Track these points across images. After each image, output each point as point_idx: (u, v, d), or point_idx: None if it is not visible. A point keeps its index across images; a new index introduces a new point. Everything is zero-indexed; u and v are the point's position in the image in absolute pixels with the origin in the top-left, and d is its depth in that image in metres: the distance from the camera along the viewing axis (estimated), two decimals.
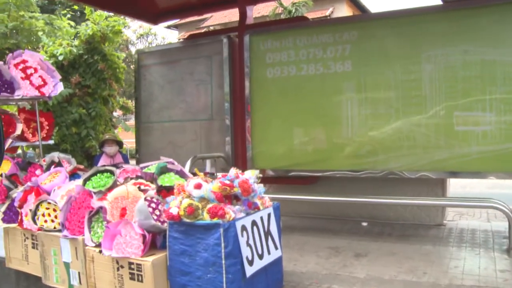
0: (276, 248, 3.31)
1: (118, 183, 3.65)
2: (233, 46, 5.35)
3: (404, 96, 4.58)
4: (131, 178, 3.74)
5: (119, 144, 5.41)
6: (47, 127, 4.98)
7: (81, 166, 4.55)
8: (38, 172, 4.38)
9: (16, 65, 4.76)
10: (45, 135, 4.94)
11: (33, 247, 3.80)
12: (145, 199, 3.16)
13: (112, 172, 3.73)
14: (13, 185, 4.18)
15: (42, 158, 4.60)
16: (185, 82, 5.58)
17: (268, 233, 3.26)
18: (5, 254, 4.03)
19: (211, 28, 19.22)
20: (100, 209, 3.33)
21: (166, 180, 3.63)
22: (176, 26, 23.33)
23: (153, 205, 3.17)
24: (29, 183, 4.06)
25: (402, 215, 5.08)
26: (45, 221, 3.61)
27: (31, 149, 12.79)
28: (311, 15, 15.67)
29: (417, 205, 4.94)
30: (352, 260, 3.96)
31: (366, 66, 4.72)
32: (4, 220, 4.02)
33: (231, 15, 18.28)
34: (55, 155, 4.50)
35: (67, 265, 3.47)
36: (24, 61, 4.84)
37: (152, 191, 3.25)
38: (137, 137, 5.91)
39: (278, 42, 5.07)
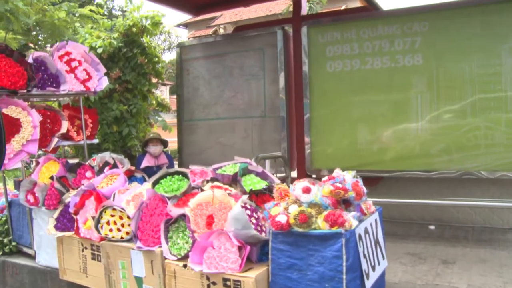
0: (383, 257, 2.90)
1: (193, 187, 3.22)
2: (287, 38, 4.92)
3: (481, 91, 4.19)
4: (207, 181, 3.30)
5: (164, 143, 4.94)
6: (91, 125, 4.50)
7: (133, 168, 4.10)
8: (88, 174, 3.91)
9: (60, 57, 4.28)
10: (89, 134, 4.46)
11: (93, 259, 3.33)
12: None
13: (184, 175, 3.28)
14: (65, 188, 3.71)
15: (92, 158, 4.12)
16: (234, 77, 5.14)
17: (377, 241, 2.84)
18: (58, 264, 3.56)
19: (222, 27, 18.78)
20: (183, 217, 2.89)
21: (249, 182, 3.18)
22: (185, 25, 22.79)
23: (247, 212, 2.73)
24: (83, 187, 3.59)
25: (471, 218, 4.70)
26: (110, 229, 3.15)
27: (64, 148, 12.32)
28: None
29: (489, 207, 4.57)
30: (442, 267, 3.57)
31: (439, 60, 4.32)
32: (57, 228, 3.55)
33: (242, 14, 17.81)
34: (106, 156, 4.04)
35: (139, 280, 3.01)
36: (68, 53, 4.36)
37: (245, 196, 2.81)
38: (180, 136, 5.45)
39: (339, 34, 4.65)
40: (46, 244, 3.87)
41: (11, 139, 3.83)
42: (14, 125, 3.84)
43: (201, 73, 5.37)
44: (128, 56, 5.23)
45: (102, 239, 3.21)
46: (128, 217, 3.15)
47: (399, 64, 4.45)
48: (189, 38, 21.77)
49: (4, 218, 4.32)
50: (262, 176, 3.28)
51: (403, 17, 4.43)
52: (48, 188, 3.78)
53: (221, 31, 18.67)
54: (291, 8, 16.54)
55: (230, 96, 5.19)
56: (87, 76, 4.39)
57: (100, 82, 4.49)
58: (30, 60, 4.04)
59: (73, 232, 3.47)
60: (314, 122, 4.73)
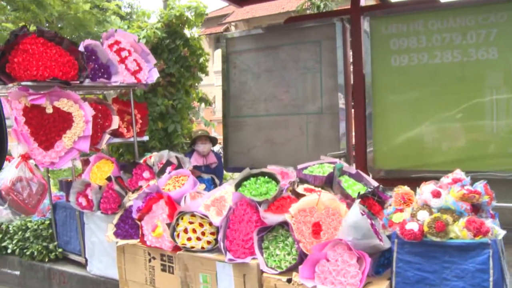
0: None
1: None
2: (345, 30, 4.55)
3: None
4: (295, 183, 2.91)
5: (213, 141, 4.56)
6: (140, 121, 4.09)
7: (191, 168, 3.70)
8: (146, 174, 3.51)
9: (110, 47, 3.86)
10: (138, 130, 4.04)
11: (163, 270, 2.93)
12: None
13: (270, 176, 2.89)
14: (123, 190, 3.30)
15: (144, 158, 3.72)
16: (287, 71, 4.75)
17: (502, 251, 2.50)
18: (119, 275, 3.16)
19: (233, 24, 18.34)
20: (284, 225, 2.51)
21: (345, 185, 2.81)
22: None
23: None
24: (145, 189, 3.19)
25: None
26: (189, 238, 2.75)
27: None
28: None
29: None
30: None
31: None
32: (118, 235, 3.14)
33: (253, 11, 17.40)
34: (165, 154, 3.64)
35: None
36: (117, 42, 3.95)
37: (357, 201, 2.44)
38: (225, 133, 5.05)
39: (405, 25, 4.29)
40: (99, 252, 3.46)
41: (62, 135, 3.40)
42: (66, 120, 3.42)
43: (249, 66, 4.98)
44: (171, 48, 4.81)
45: (177, 248, 2.82)
46: (210, 225, 2.76)
47: (471, 58, 4.09)
48: (199, 36, 21.15)
49: (47, 222, 3.90)
50: (357, 177, 2.92)
51: (478, 7, 4.07)
52: (104, 190, 3.37)
53: (232, 28, 18.25)
54: (305, 6, 16.22)
55: (282, 91, 4.81)
56: (137, 67, 3.97)
57: (151, 74, 4.07)
58: (80, 49, 3.63)
59: (138, 240, 3.07)
60: (376, 119, 4.36)
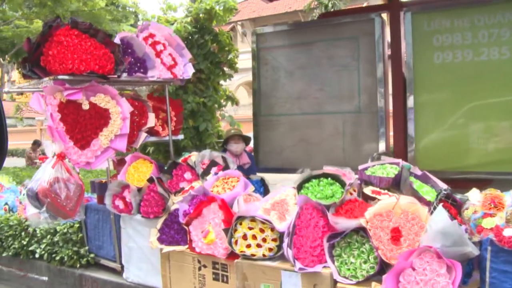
0: None
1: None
2: (384, 26, 4.35)
3: None
4: (359, 185, 2.69)
5: (246, 140, 4.33)
6: (175, 118, 3.85)
7: (234, 168, 3.47)
8: (187, 175, 3.28)
9: (144, 39, 3.63)
10: (173, 129, 3.81)
11: (216, 279, 2.70)
12: None
13: (334, 178, 2.66)
14: (167, 193, 3.06)
15: (182, 157, 3.48)
16: (322, 68, 4.53)
17: None
18: (163, 284, 2.91)
19: (239, 24, 18.10)
20: (359, 231, 2.29)
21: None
22: None
23: None
24: (192, 192, 2.95)
25: None
26: (248, 245, 2.52)
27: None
28: None
29: None
30: None
31: None
32: (162, 241, 2.90)
33: (260, 10, 17.18)
34: (207, 153, 3.41)
35: None
36: (151, 35, 3.71)
37: (440, 205, 2.23)
38: (256, 133, 4.82)
39: (449, 21, 4.08)
40: (138, 258, 3.22)
41: (99, 133, 3.17)
42: (103, 117, 3.18)
43: (281, 63, 4.76)
44: (200, 43, 4.58)
45: (233, 256, 2.59)
46: (272, 230, 2.53)
47: None
48: (228, 31, 20.41)
49: (76, 225, 3.64)
50: (423, 179, 2.70)
51: None
52: (144, 192, 3.13)
53: (239, 28, 18.01)
54: (312, 5, 15.99)
55: (317, 89, 4.59)
56: (172, 62, 3.74)
57: (186, 69, 3.84)
58: (116, 41, 3.39)
59: (186, 247, 2.84)
60: (417, 119, 4.15)
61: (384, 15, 4.51)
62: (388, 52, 4.52)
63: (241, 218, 2.57)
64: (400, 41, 4.33)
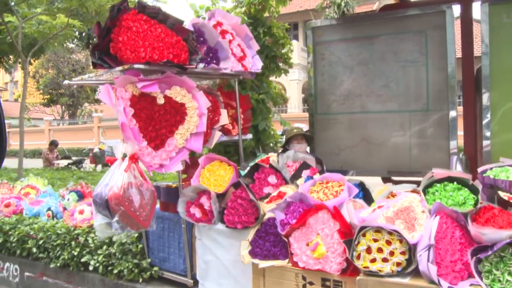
0: None
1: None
2: (453, 18, 3.92)
3: None
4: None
5: (308, 140, 3.86)
6: (242, 116, 3.35)
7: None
8: (272, 179, 2.78)
9: (213, 27, 3.13)
10: (242, 127, 3.31)
11: None
12: None
13: (460, 182, 2.21)
14: (257, 200, 2.56)
15: (258, 159, 2.99)
16: (385, 64, 4.08)
17: None
18: None
19: None
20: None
21: None
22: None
23: None
24: (287, 198, 2.46)
25: None
26: (373, 260, 2.05)
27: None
28: (357, 10, 14.40)
29: None
30: None
31: None
32: (255, 254, 2.40)
33: None
34: (290, 154, 2.93)
35: None
36: (219, 23, 3.21)
37: None
38: (311, 132, 4.34)
39: None
40: (218, 273, 2.71)
41: (175, 131, 2.66)
42: (178, 113, 2.67)
43: (340, 58, 4.30)
44: (254, 36, 4.10)
45: (351, 272, 2.12)
46: (400, 242, 2.06)
47: None
48: (283, 23, 19.72)
49: (135, 235, 3.13)
50: None
51: None
52: (228, 198, 2.63)
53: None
54: (324, 4, 15.47)
55: (380, 86, 4.14)
56: (241, 53, 3.24)
57: (254, 62, 3.36)
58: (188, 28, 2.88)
59: (287, 261, 2.35)
60: (494, 116, 3.73)
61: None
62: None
63: (364, 229, 2.10)
64: (471, 34, 3.89)
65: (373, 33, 4.17)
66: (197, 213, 2.70)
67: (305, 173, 2.75)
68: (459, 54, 3.99)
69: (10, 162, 13.92)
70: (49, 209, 3.77)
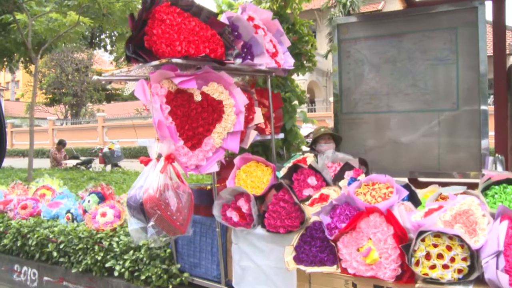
0: None
1: None
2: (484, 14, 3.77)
3: None
4: None
5: (336, 140, 3.70)
6: (274, 114, 3.17)
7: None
8: (311, 180, 2.61)
9: None
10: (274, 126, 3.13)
11: None
12: None
13: None
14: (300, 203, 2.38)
15: (295, 159, 2.81)
16: (413, 62, 3.91)
17: None
18: None
19: None
20: None
21: None
22: None
23: None
24: (333, 201, 2.29)
25: None
26: (432, 266, 1.88)
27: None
28: (362, 9, 14.25)
29: None
30: None
31: None
32: (301, 260, 2.22)
33: None
34: (329, 155, 2.75)
35: None
36: (251, 18, 3.02)
37: None
38: (336, 132, 4.17)
39: None
40: (255, 280, 2.52)
41: (212, 130, 2.48)
42: (216, 111, 2.48)
43: (366, 56, 4.14)
44: None
45: (407, 279, 1.95)
46: (462, 248, 1.89)
47: None
48: (308, 20, 19.50)
49: (163, 239, 2.93)
50: None
51: None
52: (269, 201, 2.45)
53: None
54: (329, 3, 15.27)
55: (408, 84, 3.98)
56: (274, 49, 3.06)
57: (286, 59, 3.18)
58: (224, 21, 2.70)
59: (335, 267, 2.18)
60: None
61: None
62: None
63: (424, 233, 1.93)
64: (504, 31, 3.75)
65: (401, 30, 4.00)
66: (235, 216, 2.51)
67: (348, 174, 2.58)
68: (489, 52, 3.88)
69: (15, 162, 13.69)
70: (68, 211, 3.57)
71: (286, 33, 4.11)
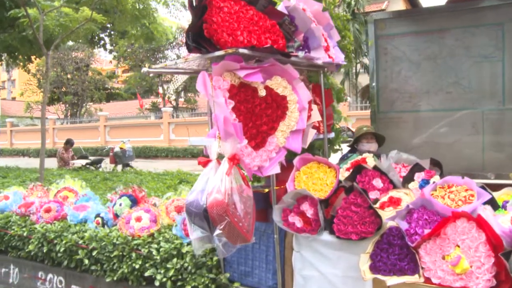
0: None
1: None
2: None
3: None
4: None
5: (379, 139, 3.48)
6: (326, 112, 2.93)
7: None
8: (377, 182, 2.37)
9: None
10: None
11: None
12: None
13: None
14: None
15: (352, 160, 2.58)
16: (456, 59, 3.71)
17: None
18: None
19: None
20: None
21: None
22: None
23: None
24: (409, 205, 2.06)
25: None
26: None
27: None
28: (366, 9, 14.10)
29: None
30: None
31: None
32: (378, 269, 1.98)
33: None
34: (392, 155, 2.53)
35: None
36: (302, 10, 2.79)
37: None
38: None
39: None
40: None
41: (277, 127, 2.23)
42: (280, 107, 2.23)
43: (405, 53, 3.92)
44: None
45: None
46: None
47: None
48: (344, 14, 19.11)
49: (209, 246, 2.67)
50: None
51: None
52: (339, 205, 2.21)
53: None
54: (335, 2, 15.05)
55: (450, 82, 3.78)
56: (325, 43, 2.83)
57: (336, 54, 2.95)
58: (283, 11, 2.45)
59: (417, 276, 1.95)
60: None
61: None
62: None
63: None
64: None
65: (442, 26, 3.79)
66: (298, 222, 2.27)
67: (418, 176, 2.35)
68: None
69: (16, 162, 13.23)
70: (98, 215, 3.29)
71: None
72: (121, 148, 9.52)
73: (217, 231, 1.94)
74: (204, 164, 2.11)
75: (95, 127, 21.82)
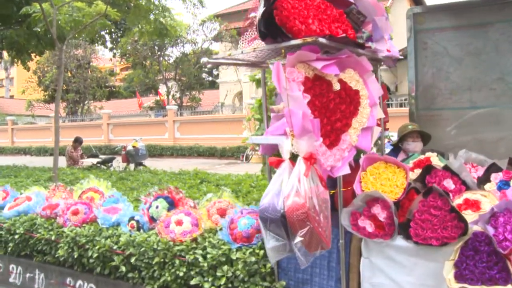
0: None
1: None
2: None
3: None
4: None
5: (425, 138, 3.30)
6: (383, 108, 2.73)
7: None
8: (448, 183, 2.18)
9: None
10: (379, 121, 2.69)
11: None
12: None
13: None
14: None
15: (411, 160, 2.38)
16: (501, 54, 3.53)
17: None
18: None
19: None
20: None
21: None
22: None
23: None
24: (494, 208, 1.87)
25: None
26: None
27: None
28: None
29: None
30: None
31: None
32: (464, 278, 1.79)
33: None
34: (461, 154, 2.34)
35: None
36: None
37: None
38: None
39: None
40: None
41: (350, 124, 2.03)
42: (353, 102, 2.03)
43: (446, 48, 3.74)
44: None
45: None
46: None
47: None
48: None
49: (260, 251, 2.46)
50: None
51: None
52: (415, 208, 2.01)
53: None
54: None
55: (494, 78, 3.60)
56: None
57: (392, 47, 2.75)
58: None
59: (510, 286, 1.76)
60: None
61: None
62: None
63: None
64: None
65: (487, 20, 3.60)
66: (369, 226, 2.07)
67: (495, 176, 2.17)
68: None
69: (18, 160, 12.85)
70: (132, 218, 3.06)
71: None
72: (133, 146, 9.19)
73: (298, 239, 1.73)
74: (276, 165, 1.90)
75: (98, 125, 21.32)
